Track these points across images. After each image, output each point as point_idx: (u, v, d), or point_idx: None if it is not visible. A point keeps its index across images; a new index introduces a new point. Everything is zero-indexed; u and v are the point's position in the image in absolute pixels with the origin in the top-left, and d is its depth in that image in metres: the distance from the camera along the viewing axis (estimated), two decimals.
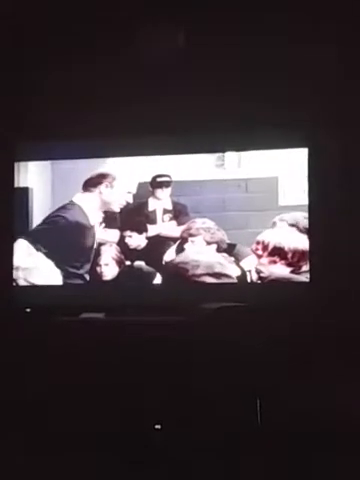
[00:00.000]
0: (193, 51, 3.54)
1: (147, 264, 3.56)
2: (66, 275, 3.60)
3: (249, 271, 3.45)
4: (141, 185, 3.59)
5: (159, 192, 3.58)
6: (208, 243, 3.50)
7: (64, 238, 3.62)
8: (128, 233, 3.59)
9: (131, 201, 3.60)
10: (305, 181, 3.43)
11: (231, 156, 3.53)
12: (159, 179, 3.58)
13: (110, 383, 3.19)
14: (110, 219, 3.61)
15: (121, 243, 3.59)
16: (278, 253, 3.42)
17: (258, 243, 3.44)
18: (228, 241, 3.48)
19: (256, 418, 3.10)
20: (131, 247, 3.59)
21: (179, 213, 3.57)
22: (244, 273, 3.45)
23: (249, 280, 3.46)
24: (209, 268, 3.47)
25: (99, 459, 3.08)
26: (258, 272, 3.44)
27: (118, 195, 3.61)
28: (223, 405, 3.11)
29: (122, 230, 3.59)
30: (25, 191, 3.67)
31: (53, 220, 3.64)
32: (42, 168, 3.68)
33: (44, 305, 3.55)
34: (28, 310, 3.52)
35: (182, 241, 3.54)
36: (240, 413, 3.10)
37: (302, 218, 3.40)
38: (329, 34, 3.44)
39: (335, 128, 3.40)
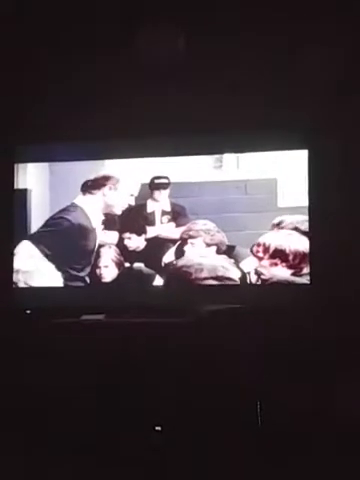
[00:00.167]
0: (193, 52, 3.52)
1: (146, 266, 3.55)
2: (67, 277, 3.59)
3: (248, 273, 3.45)
4: (143, 187, 3.58)
5: (157, 194, 3.57)
6: (208, 245, 3.49)
7: (67, 240, 3.60)
8: (127, 235, 3.58)
9: (133, 203, 3.59)
10: (304, 183, 3.42)
11: (229, 157, 3.51)
12: (157, 181, 3.57)
13: (110, 385, 3.20)
14: (110, 221, 3.59)
15: (120, 245, 3.58)
16: (279, 255, 3.41)
17: (259, 245, 3.43)
18: (227, 243, 3.47)
19: (256, 419, 3.12)
20: (130, 249, 3.57)
21: (178, 215, 3.55)
22: (244, 275, 3.45)
23: (248, 282, 3.45)
24: (212, 271, 3.46)
25: (99, 459, 3.08)
26: (259, 274, 3.43)
27: (121, 198, 3.59)
28: (223, 406, 3.12)
29: (121, 232, 3.58)
30: (24, 193, 3.64)
31: (56, 222, 3.61)
32: (41, 169, 3.66)
33: (44, 307, 3.53)
34: (28, 312, 3.51)
35: (181, 243, 3.52)
36: (240, 414, 3.12)
37: (303, 220, 3.39)
38: (329, 34, 3.44)
39: (335, 130, 3.40)
